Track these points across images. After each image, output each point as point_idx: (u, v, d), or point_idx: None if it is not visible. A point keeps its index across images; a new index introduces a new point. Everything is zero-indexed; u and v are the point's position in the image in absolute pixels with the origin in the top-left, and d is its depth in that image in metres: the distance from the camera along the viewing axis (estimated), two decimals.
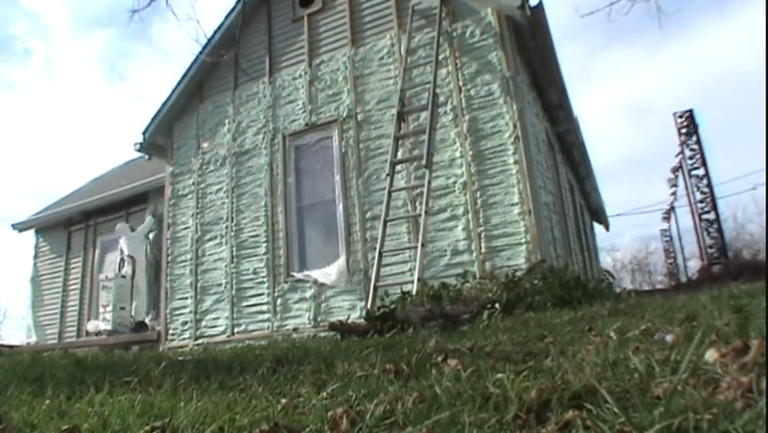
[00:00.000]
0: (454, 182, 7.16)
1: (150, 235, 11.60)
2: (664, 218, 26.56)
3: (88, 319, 12.08)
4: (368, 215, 7.63)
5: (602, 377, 1.51)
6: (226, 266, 8.58)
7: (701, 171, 20.72)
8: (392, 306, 5.07)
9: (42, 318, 13.55)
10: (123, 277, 10.76)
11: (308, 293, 7.75)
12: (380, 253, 6.72)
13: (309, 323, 7.59)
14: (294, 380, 2.33)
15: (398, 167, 7.39)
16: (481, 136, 7.14)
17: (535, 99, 8.58)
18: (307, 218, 8.32)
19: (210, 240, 8.90)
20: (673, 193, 24.52)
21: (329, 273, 7.61)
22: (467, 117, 7.28)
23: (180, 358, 3.83)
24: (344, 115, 8.19)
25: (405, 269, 7.08)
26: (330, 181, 8.16)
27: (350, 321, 4.81)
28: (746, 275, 9.51)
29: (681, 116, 21.22)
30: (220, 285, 8.56)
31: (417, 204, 7.19)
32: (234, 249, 8.58)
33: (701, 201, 20.62)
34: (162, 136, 9.94)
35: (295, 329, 7.57)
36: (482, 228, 6.86)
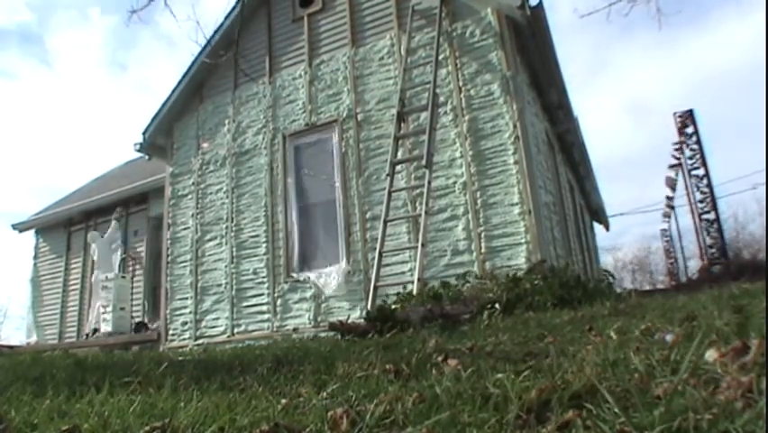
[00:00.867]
0: (454, 182, 7.16)
1: (114, 245, 11.54)
2: (665, 219, 26.57)
3: (88, 320, 12.08)
4: (368, 215, 7.63)
5: (602, 377, 1.51)
6: (226, 266, 8.59)
7: (701, 171, 20.74)
8: (392, 306, 5.08)
9: (42, 319, 13.56)
10: (123, 277, 10.76)
11: (308, 293, 7.75)
12: (380, 254, 6.72)
13: (309, 323, 7.59)
14: (294, 380, 2.33)
15: (398, 167, 7.39)
16: (481, 136, 7.14)
17: (535, 99, 8.58)
18: (307, 218, 8.32)
19: (210, 240, 8.90)
20: (670, 197, 24.54)
21: (329, 281, 7.59)
22: (467, 117, 7.28)
23: (180, 358, 3.83)
24: (344, 115, 8.19)
25: (405, 269, 7.08)
26: (330, 181, 8.16)
27: (350, 321, 4.81)
28: (747, 275, 9.51)
29: (680, 116, 21.24)
30: (220, 285, 8.56)
31: (417, 204, 7.19)
32: (234, 249, 8.58)
33: (701, 201, 20.64)
34: (162, 136, 9.95)
35: (295, 329, 7.57)
36: (482, 228, 6.86)
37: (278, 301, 7.96)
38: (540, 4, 7.24)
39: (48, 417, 1.92)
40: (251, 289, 8.27)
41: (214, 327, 8.45)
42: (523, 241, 6.60)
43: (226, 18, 9.53)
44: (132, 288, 11.03)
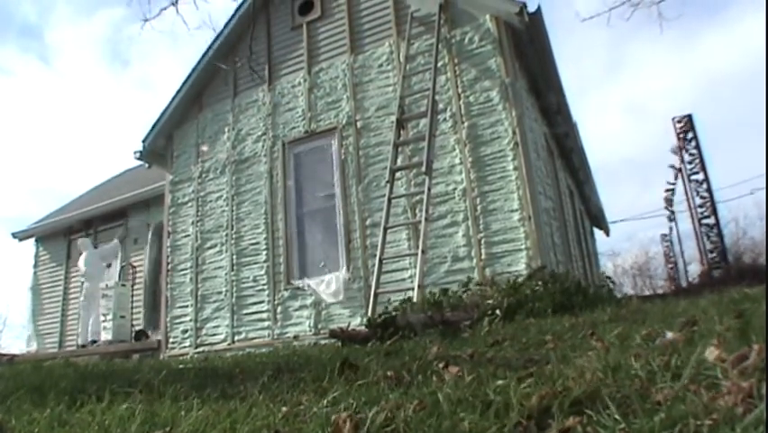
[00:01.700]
0: (454, 189, 7.16)
1: (106, 262, 11.54)
2: (670, 219, 26.55)
3: (80, 331, 12.04)
4: (368, 222, 7.64)
5: (603, 383, 1.51)
6: (226, 274, 8.58)
7: (701, 176, 20.74)
8: (393, 313, 5.07)
9: (42, 327, 13.53)
10: (123, 285, 10.75)
11: (309, 300, 7.74)
12: (381, 260, 6.72)
13: (310, 330, 7.58)
14: (295, 388, 2.33)
15: (398, 174, 7.40)
16: (481, 143, 7.15)
17: (534, 104, 8.60)
18: (307, 226, 8.32)
19: (210, 248, 8.90)
20: (670, 199, 24.54)
21: (329, 288, 7.58)
22: (466, 124, 7.29)
23: (181, 367, 3.83)
24: (344, 122, 8.20)
25: (405, 276, 7.07)
26: (330, 189, 8.16)
27: (350, 328, 4.81)
28: (747, 279, 9.50)
29: (679, 121, 21.26)
30: (220, 293, 8.55)
31: (417, 211, 7.19)
32: (234, 257, 8.58)
33: (701, 206, 20.63)
34: (162, 144, 9.96)
35: (295, 337, 7.56)
36: (482, 234, 6.86)
37: (279, 309, 7.95)
38: (538, 10, 7.27)
39: (48, 426, 1.92)
40: (251, 296, 8.26)
41: (214, 334, 8.43)
42: (523, 247, 6.60)
43: (225, 26, 9.57)
44: (133, 296, 11.02)
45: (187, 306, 8.83)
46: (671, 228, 27.40)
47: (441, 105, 7.47)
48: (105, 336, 9.98)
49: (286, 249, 8.17)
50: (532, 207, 6.63)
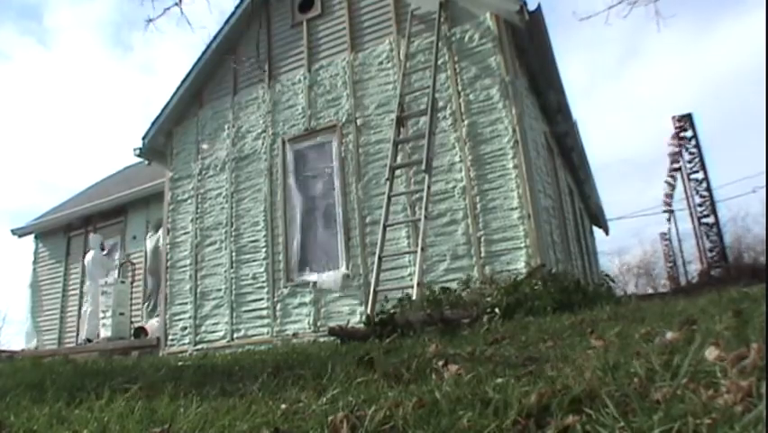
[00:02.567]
0: (454, 187, 7.16)
1: (103, 268, 11.57)
2: (668, 218, 26.56)
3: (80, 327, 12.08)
4: (367, 219, 7.64)
5: (602, 382, 1.51)
6: (226, 271, 8.58)
7: (700, 175, 20.76)
8: (392, 311, 5.07)
9: (42, 324, 13.54)
10: (123, 282, 10.76)
11: (308, 298, 7.74)
12: (380, 258, 6.72)
13: (309, 328, 7.58)
14: (294, 385, 2.33)
15: (398, 171, 7.40)
16: (481, 141, 7.15)
17: (534, 103, 8.59)
18: (307, 223, 8.31)
19: (210, 245, 8.89)
20: (669, 196, 24.54)
21: (328, 286, 7.58)
22: (466, 122, 7.29)
23: (180, 364, 3.83)
24: (344, 119, 8.20)
25: (404, 273, 7.07)
26: (329, 186, 8.16)
27: (350, 326, 4.81)
28: (746, 278, 9.51)
29: (679, 120, 21.27)
30: (219, 290, 8.55)
31: (417, 208, 7.19)
32: (234, 254, 8.58)
33: (701, 205, 20.65)
34: (162, 141, 9.95)
35: (295, 334, 7.56)
36: (482, 233, 6.86)
37: (278, 306, 7.95)
38: (538, 9, 7.26)
39: (47, 423, 1.92)
40: (250, 294, 8.26)
41: (213, 332, 8.44)
42: (522, 245, 6.60)
43: (225, 23, 9.56)
44: (132, 293, 11.02)
45: (186, 303, 8.83)
46: (669, 229, 27.44)
47: (441, 103, 7.47)
48: (105, 333, 9.99)
49: (285, 246, 8.17)
50: (531, 206, 6.63)
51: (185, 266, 9.04)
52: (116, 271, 12.10)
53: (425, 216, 6.65)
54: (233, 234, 8.68)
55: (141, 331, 10.13)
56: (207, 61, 9.60)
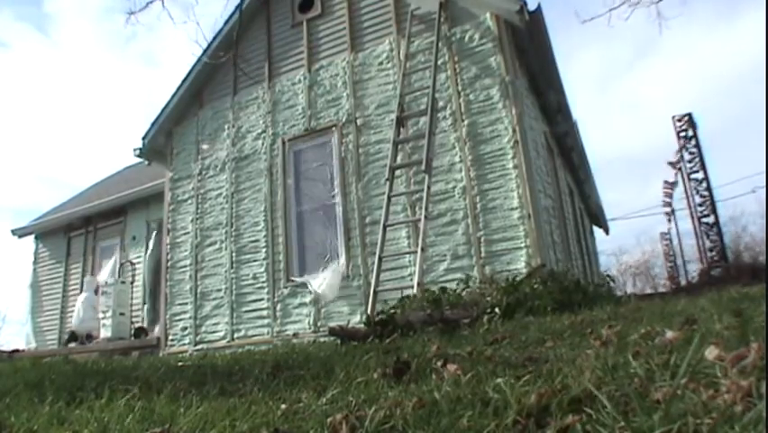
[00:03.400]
0: (454, 187, 7.16)
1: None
2: (668, 218, 26.56)
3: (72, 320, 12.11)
4: (367, 219, 7.64)
5: (602, 381, 1.51)
6: (226, 271, 8.58)
7: (701, 175, 20.75)
8: (392, 311, 5.07)
9: (42, 324, 13.54)
10: (123, 283, 10.76)
11: (308, 298, 7.74)
12: (380, 258, 6.72)
13: (309, 328, 7.58)
14: (294, 385, 2.33)
15: (398, 172, 7.40)
16: (481, 141, 7.15)
17: (534, 103, 8.59)
18: (307, 223, 8.32)
19: (210, 245, 8.89)
20: (669, 197, 24.54)
21: (328, 285, 7.57)
22: (466, 122, 7.29)
23: (180, 364, 3.83)
24: (344, 120, 8.20)
25: (404, 274, 7.07)
26: (329, 186, 8.16)
27: (350, 326, 4.81)
28: (746, 278, 9.51)
29: (679, 120, 21.26)
30: (220, 290, 8.55)
31: (417, 209, 7.19)
32: (234, 254, 8.58)
33: (701, 204, 20.64)
34: (162, 142, 9.95)
35: (295, 334, 7.56)
36: (482, 233, 6.86)
37: (278, 306, 7.95)
38: (538, 9, 7.26)
39: (47, 423, 1.92)
40: (250, 294, 8.27)
41: (213, 332, 8.44)
42: (522, 245, 6.60)
43: (225, 23, 9.55)
44: (132, 293, 11.03)
45: (186, 303, 8.83)
46: (668, 228, 27.43)
47: (441, 103, 7.47)
48: (105, 333, 9.99)
49: (285, 246, 8.17)
50: (532, 206, 6.63)
51: (185, 266, 9.04)
52: (116, 272, 12.12)
53: (425, 217, 6.65)
54: (234, 234, 8.68)
55: (141, 331, 10.14)
56: (208, 61, 9.59)
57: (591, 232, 16.74)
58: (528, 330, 3.48)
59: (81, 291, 11.72)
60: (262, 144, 8.85)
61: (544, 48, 7.89)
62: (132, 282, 11.39)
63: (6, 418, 2.04)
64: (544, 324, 3.74)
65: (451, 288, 6.11)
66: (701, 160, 20.75)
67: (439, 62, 7.55)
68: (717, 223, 20.30)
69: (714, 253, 19.97)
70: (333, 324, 6.15)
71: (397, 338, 3.83)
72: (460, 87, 7.47)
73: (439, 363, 2.30)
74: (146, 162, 10.49)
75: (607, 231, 19.24)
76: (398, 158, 7.44)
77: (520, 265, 6.52)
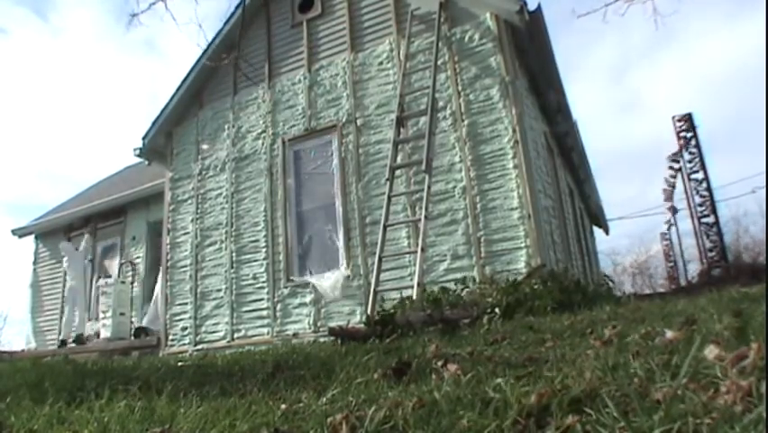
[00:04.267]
0: (454, 187, 7.16)
1: (87, 260, 11.93)
2: (669, 222, 26.57)
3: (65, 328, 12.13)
4: (367, 219, 7.64)
5: (602, 382, 1.51)
6: (226, 271, 8.58)
7: (701, 175, 20.75)
8: (392, 311, 5.07)
9: (42, 324, 13.55)
10: (123, 283, 10.76)
11: (308, 298, 7.74)
12: (380, 258, 6.72)
13: (309, 328, 7.58)
14: (294, 385, 2.33)
15: (398, 172, 7.40)
16: (481, 141, 7.15)
17: (534, 103, 8.59)
18: (307, 223, 8.32)
19: (210, 245, 8.89)
20: (671, 204, 24.55)
21: (329, 286, 7.58)
22: (466, 122, 7.29)
23: (180, 364, 3.83)
24: (344, 120, 8.20)
25: (404, 274, 7.07)
26: (329, 186, 8.16)
27: (350, 326, 4.80)
28: (746, 278, 9.50)
29: (680, 120, 21.26)
30: (220, 290, 8.55)
31: (417, 209, 7.18)
32: (234, 254, 8.57)
33: (701, 205, 20.64)
34: (162, 142, 9.95)
35: (295, 334, 7.56)
36: (482, 233, 6.86)
37: (278, 306, 7.95)
38: (538, 9, 7.26)
39: (48, 423, 1.92)
40: (250, 294, 8.26)
41: (213, 332, 8.44)
42: (522, 245, 6.60)
43: (225, 23, 9.56)
44: (132, 293, 11.02)
45: (186, 303, 8.83)
46: (669, 228, 27.43)
47: (441, 103, 7.47)
48: (105, 333, 9.99)
49: (285, 246, 8.17)
50: (532, 206, 6.63)
51: (185, 266, 9.04)
52: (117, 272, 12.12)
53: (426, 217, 6.65)
54: (234, 234, 8.68)
55: (141, 331, 10.14)
56: (209, 59, 9.59)
57: (591, 232, 16.74)
58: (528, 330, 3.48)
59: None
60: (262, 144, 8.85)
61: (544, 48, 7.89)
62: (132, 283, 11.39)
63: (6, 418, 2.04)
64: (544, 324, 3.74)
65: (451, 288, 6.12)
66: (701, 160, 20.75)
67: (439, 62, 7.55)
68: (717, 223, 20.31)
69: (714, 254, 19.98)
70: (333, 324, 6.15)
71: (397, 338, 3.83)
72: (460, 87, 7.47)
73: (439, 364, 2.30)
74: (146, 162, 10.48)
75: (607, 231, 19.25)
76: (398, 158, 7.44)
77: (520, 265, 6.52)
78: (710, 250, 20.21)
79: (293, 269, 8.08)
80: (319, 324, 7.51)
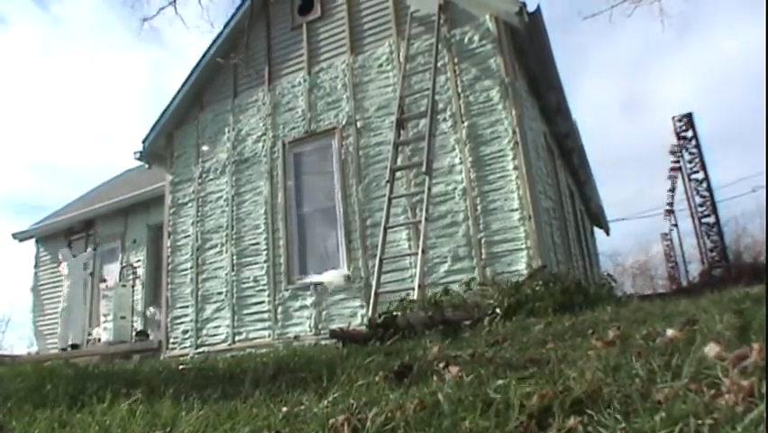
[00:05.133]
0: (454, 188, 7.16)
1: (89, 264, 11.94)
2: (671, 225, 26.58)
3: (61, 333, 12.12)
4: (368, 222, 7.63)
5: (604, 382, 1.51)
6: (227, 274, 8.58)
7: (701, 175, 20.76)
8: (393, 313, 5.07)
9: (43, 328, 13.55)
10: (124, 286, 10.76)
11: (309, 300, 7.74)
12: (381, 260, 6.71)
13: (310, 330, 7.58)
14: (295, 388, 2.33)
15: (398, 174, 7.40)
16: (481, 142, 7.15)
17: (534, 104, 8.60)
18: (307, 226, 8.32)
19: (210, 248, 8.89)
20: (670, 201, 24.55)
21: (330, 288, 7.59)
22: (466, 123, 7.29)
23: (181, 367, 3.83)
24: (344, 122, 8.20)
25: (405, 276, 7.07)
26: (330, 189, 8.16)
27: (351, 328, 4.81)
28: (747, 278, 9.50)
29: (680, 120, 21.27)
30: (221, 293, 8.55)
31: (417, 210, 7.18)
32: (235, 257, 8.57)
33: (701, 205, 20.65)
34: (162, 145, 9.96)
35: (296, 337, 7.56)
36: (482, 234, 6.86)
37: (279, 309, 7.95)
38: (538, 10, 7.27)
39: (49, 427, 1.92)
40: (251, 296, 8.26)
41: (215, 335, 8.43)
42: (523, 246, 6.60)
43: (225, 26, 9.58)
44: (133, 296, 11.03)
45: (187, 306, 8.83)
46: (669, 229, 27.44)
47: (441, 105, 7.47)
48: (106, 336, 9.99)
49: (286, 249, 8.17)
50: (532, 207, 6.63)
51: (186, 269, 9.04)
52: (117, 275, 12.13)
53: (426, 218, 6.65)
54: (234, 237, 8.68)
55: (142, 334, 10.14)
56: (208, 64, 9.61)
57: (592, 233, 16.74)
58: (530, 331, 3.48)
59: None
60: (263, 147, 8.85)
61: (544, 49, 7.90)
62: (133, 286, 11.39)
63: (8, 421, 2.04)
64: (545, 325, 3.73)
65: (452, 289, 6.11)
66: (701, 160, 20.76)
67: (439, 64, 7.55)
68: (717, 223, 20.31)
69: (714, 254, 19.98)
70: (334, 326, 6.15)
71: (398, 340, 3.83)
72: (460, 89, 7.48)
73: (441, 365, 2.30)
74: (146, 166, 10.49)
75: (607, 232, 19.24)
76: (399, 160, 7.44)
77: (521, 267, 6.52)
78: (711, 250, 20.21)
79: (294, 271, 8.07)
80: (320, 326, 7.51)
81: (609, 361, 1.79)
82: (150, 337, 10.25)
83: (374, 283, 6.62)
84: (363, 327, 4.66)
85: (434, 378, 2.08)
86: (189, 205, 9.36)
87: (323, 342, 5.73)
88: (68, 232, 13.95)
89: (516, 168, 6.84)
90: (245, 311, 8.24)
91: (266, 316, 8.03)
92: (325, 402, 1.83)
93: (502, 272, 6.52)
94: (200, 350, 8.31)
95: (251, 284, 8.30)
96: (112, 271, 12.73)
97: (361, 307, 7.24)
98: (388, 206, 7.02)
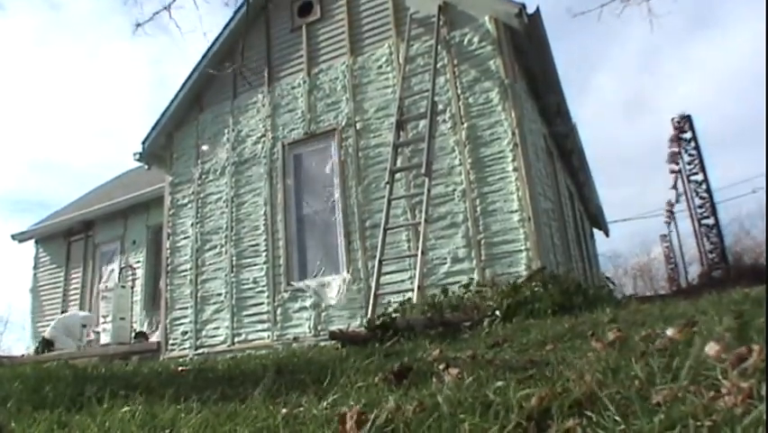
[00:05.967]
0: (454, 190, 7.16)
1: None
2: (666, 222, 26.58)
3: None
4: (367, 223, 7.64)
5: (603, 384, 1.51)
6: (226, 276, 8.58)
7: (700, 177, 20.77)
8: (392, 314, 5.07)
9: (43, 329, 13.51)
10: (123, 287, 10.75)
11: (308, 302, 7.73)
12: (380, 262, 6.72)
13: (310, 332, 7.57)
14: (295, 389, 2.33)
15: (398, 175, 7.40)
16: (480, 144, 7.15)
17: (534, 106, 8.60)
18: (307, 227, 8.32)
19: (210, 250, 8.89)
20: (671, 202, 24.57)
21: (329, 290, 7.58)
22: (466, 125, 7.29)
23: (181, 368, 3.83)
24: (343, 123, 8.21)
25: (405, 277, 7.07)
26: (329, 190, 8.17)
27: (350, 330, 4.81)
28: (747, 280, 9.50)
29: (679, 121, 21.29)
30: (220, 295, 8.55)
31: (417, 212, 7.18)
32: (234, 258, 8.57)
33: (701, 206, 20.66)
34: (162, 146, 9.96)
35: (295, 338, 7.56)
36: (482, 236, 6.86)
37: (279, 310, 7.95)
38: (537, 12, 7.27)
39: (48, 428, 1.92)
40: (251, 298, 8.26)
41: (214, 336, 8.43)
42: (523, 248, 6.60)
43: (225, 27, 9.58)
44: (132, 297, 11.02)
45: (186, 307, 8.83)
46: (668, 230, 27.45)
47: (440, 107, 7.47)
48: (105, 338, 9.98)
49: (286, 251, 8.17)
50: (532, 209, 6.63)
51: (185, 271, 9.04)
52: (117, 276, 12.12)
53: (426, 220, 6.65)
54: (234, 238, 8.68)
55: (141, 336, 10.13)
56: (207, 66, 9.61)
57: (591, 234, 16.74)
58: (529, 333, 3.48)
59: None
60: (262, 148, 8.85)
61: (544, 50, 7.91)
62: (132, 287, 11.38)
63: (7, 423, 2.04)
64: (544, 327, 3.73)
65: (451, 291, 6.11)
66: (701, 161, 20.77)
67: (438, 65, 7.55)
68: (717, 225, 20.32)
69: (714, 255, 19.99)
70: (333, 328, 6.15)
71: (397, 342, 3.83)
72: (459, 90, 7.48)
73: (440, 367, 2.30)
74: (146, 167, 10.49)
75: (607, 233, 19.25)
76: (398, 161, 7.45)
77: (520, 268, 6.52)
78: (711, 252, 20.22)
79: (293, 273, 8.07)
80: (320, 328, 7.50)
81: (609, 362, 1.79)
82: (150, 339, 10.24)
83: (374, 285, 6.63)
84: (363, 329, 4.65)
85: (434, 380, 2.08)
86: (189, 206, 9.36)
87: (322, 343, 5.73)
88: (68, 233, 13.94)
89: (515, 169, 6.84)
90: (245, 312, 8.24)
91: (265, 317, 8.03)
92: (325, 404, 1.83)
93: (502, 274, 6.52)
94: (199, 351, 8.30)
95: (251, 285, 8.30)
96: (112, 271, 12.73)
97: (361, 308, 7.24)
98: (387, 207, 7.02)
